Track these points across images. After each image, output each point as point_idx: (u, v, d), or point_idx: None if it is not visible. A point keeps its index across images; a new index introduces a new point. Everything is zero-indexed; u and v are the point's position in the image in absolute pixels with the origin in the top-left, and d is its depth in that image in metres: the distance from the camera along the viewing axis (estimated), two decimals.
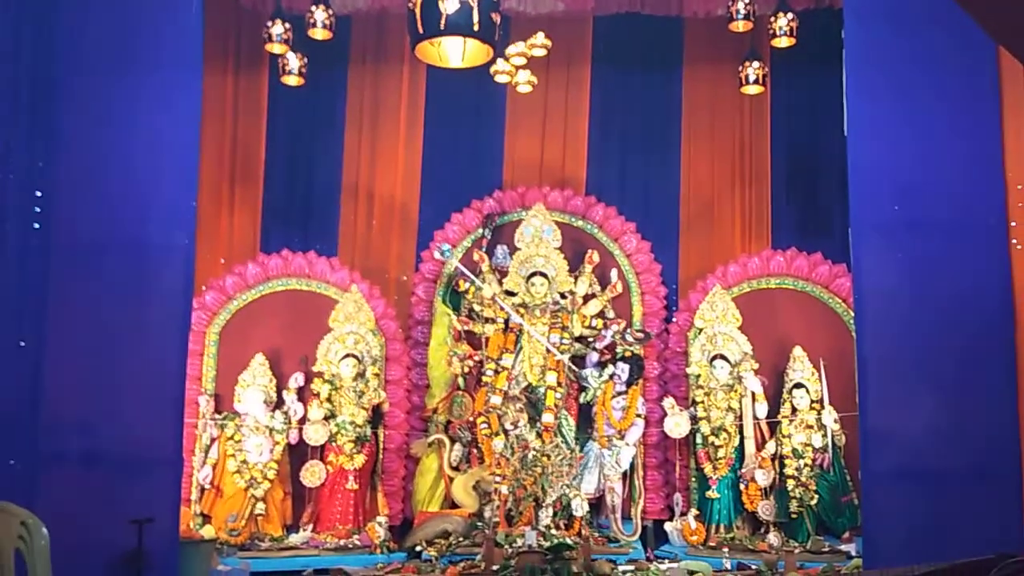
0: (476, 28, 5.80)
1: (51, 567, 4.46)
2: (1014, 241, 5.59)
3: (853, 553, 7.17)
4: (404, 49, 9.10)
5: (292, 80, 8.50)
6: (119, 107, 5.80)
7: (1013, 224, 5.57)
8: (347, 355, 8.01)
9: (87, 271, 5.64)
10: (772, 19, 8.05)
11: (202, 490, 7.72)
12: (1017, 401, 5.45)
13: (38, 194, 5.53)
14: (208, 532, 7.25)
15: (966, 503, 5.49)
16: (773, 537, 7.55)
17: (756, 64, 8.53)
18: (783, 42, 8.04)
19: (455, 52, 6.19)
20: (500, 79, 7.92)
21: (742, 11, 7.89)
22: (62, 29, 5.71)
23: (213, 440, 7.83)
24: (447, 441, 8.14)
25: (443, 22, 5.78)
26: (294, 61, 8.41)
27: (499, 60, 7.71)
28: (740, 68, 8.62)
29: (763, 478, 7.76)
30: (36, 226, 5.52)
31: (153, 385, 5.71)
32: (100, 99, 5.77)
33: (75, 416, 5.52)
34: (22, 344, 5.38)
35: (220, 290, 8.26)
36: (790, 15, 7.99)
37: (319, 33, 8.05)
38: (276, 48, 8.17)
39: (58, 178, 5.61)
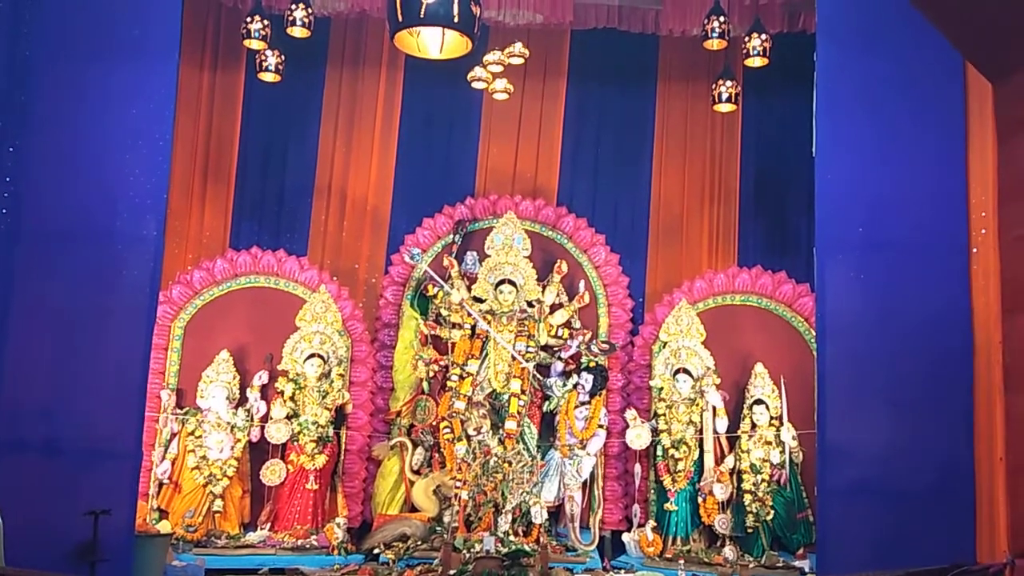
0: (456, 19, 5.82)
1: (4, 554, 4.42)
2: (974, 267, 5.69)
3: (807, 569, 7.27)
4: (382, 52, 9.14)
5: (269, 76, 8.49)
6: (93, 95, 5.77)
7: (974, 250, 5.67)
8: (312, 355, 7.99)
9: (54, 258, 5.60)
10: (746, 39, 8.18)
11: (160, 485, 7.67)
12: (973, 421, 5.55)
13: (7, 179, 5.48)
14: (164, 527, 7.20)
15: (920, 521, 5.58)
16: (729, 551, 7.63)
17: (729, 83, 8.65)
18: (756, 62, 8.16)
19: (434, 43, 6.21)
20: (477, 85, 7.97)
21: (717, 30, 7.99)
22: (38, 16, 5.67)
23: (174, 435, 7.77)
24: (409, 444, 8.15)
25: (423, 11, 5.78)
26: (272, 58, 8.41)
27: (476, 67, 7.76)
28: (713, 86, 8.74)
29: (721, 492, 7.84)
30: (3, 211, 5.46)
31: (115, 377, 5.67)
32: (74, 86, 5.74)
33: (34, 404, 5.47)
34: None
35: (187, 284, 8.21)
36: (764, 36, 8.12)
37: (298, 31, 8.04)
38: (254, 44, 8.15)
39: (28, 164, 5.56)
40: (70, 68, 5.73)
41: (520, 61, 7.75)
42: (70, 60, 5.74)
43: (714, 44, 8.09)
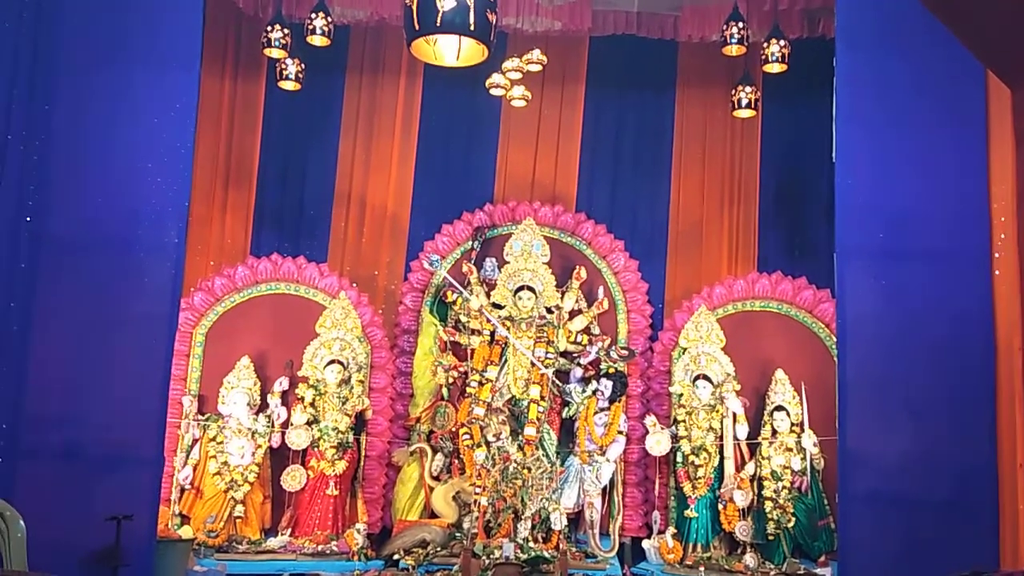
0: (472, 27, 5.84)
1: (27, 560, 4.47)
2: (997, 272, 5.65)
3: None
4: (401, 60, 9.17)
5: (289, 85, 8.54)
6: (116, 104, 5.83)
7: (996, 255, 5.63)
8: (332, 361, 8.02)
9: (77, 266, 5.66)
10: (765, 45, 8.13)
11: (182, 490, 7.71)
12: (996, 429, 5.50)
13: (31, 188, 5.55)
14: (186, 532, 7.24)
15: (942, 529, 5.53)
16: (749, 558, 7.59)
17: (749, 88, 8.62)
18: (775, 68, 8.12)
19: (450, 51, 6.23)
20: (495, 92, 7.97)
21: (736, 36, 7.98)
22: (60, 25, 5.75)
23: (195, 441, 7.82)
24: (429, 451, 8.16)
25: (439, 19, 5.80)
26: (292, 67, 8.46)
27: (495, 74, 7.78)
28: (732, 92, 8.71)
29: (741, 499, 7.80)
30: (28, 219, 5.53)
31: (137, 383, 5.72)
32: (97, 96, 5.81)
33: (57, 411, 5.53)
34: (15, 329, 5.37)
35: (208, 291, 8.27)
36: (783, 42, 8.08)
37: (318, 40, 8.10)
38: (275, 53, 8.21)
39: (51, 173, 5.63)
40: (93, 79, 5.80)
41: (538, 68, 7.75)
42: (93, 71, 5.81)
43: (733, 50, 8.06)
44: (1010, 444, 5.38)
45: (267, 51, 8.23)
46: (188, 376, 8.07)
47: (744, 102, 8.65)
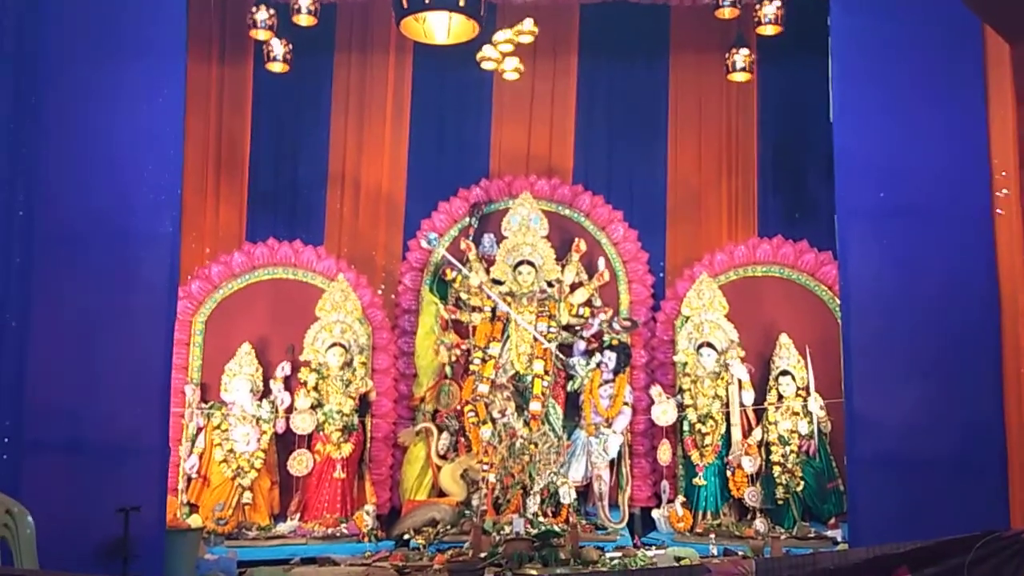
0: (461, 3, 5.76)
1: (37, 555, 4.45)
2: (998, 228, 5.60)
3: (839, 539, 7.22)
4: (390, 36, 9.07)
5: (277, 67, 8.44)
6: (103, 95, 5.76)
7: (998, 211, 5.58)
8: (334, 344, 8.00)
9: (72, 259, 5.61)
10: (758, 7, 8.03)
11: (189, 479, 7.71)
12: (1002, 387, 5.48)
13: (22, 181, 5.49)
14: (195, 521, 7.23)
15: (951, 489, 5.52)
16: (759, 523, 7.61)
17: (743, 52, 8.52)
18: (769, 30, 8.03)
19: (440, 28, 6.16)
20: (487, 66, 7.89)
21: None
22: (46, 17, 5.67)
23: (199, 429, 7.81)
24: (434, 430, 8.15)
25: None
26: (279, 48, 8.35)
27: (485, 47, 7.69)
28: (727, 55, 8.61)
29: (749, 465, 7.80)
30: (20, 213, 5.48)
31: (139, 374, 5.69)
32: (84, 86, 5.74)
33: (60, 405, 5.49)
34: (13, 324, 5.34)
35: (206, 279, 8.23)
36: (776, 3, 7.97)
37: (304, 19, 8.00)
38: (261, 34, 8.12)
39: (42, 165, 5.57)
40: (79, 69, 5.73)
41: (530, 39, 7.65)
42: (79, 61, 5.74)
43: (726, 13, 7.94)
44: (1016, 401, 5.37)
45: (253, 33, 8.15)
46: (189, 365, 8.05)
47: (739, 65, 8.55)
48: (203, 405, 7.89)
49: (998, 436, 5.47)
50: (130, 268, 5.74)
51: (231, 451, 7.70)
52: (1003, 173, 5.51)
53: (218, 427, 7.77)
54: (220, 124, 9.07)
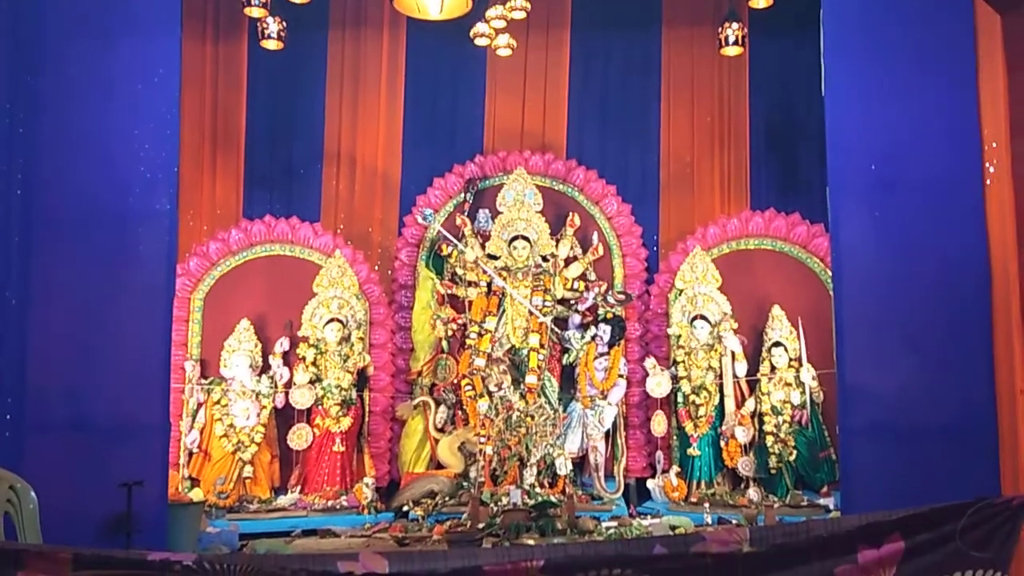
0: None
1: (40, 530, 4.52)
2: (989, 199, 5.64)
3: (831, 507, 7.33)
4: (383, 13, 9.07)
5: (271, 44, 8.45)
6: (99, 73, 5.74)
7: (988, 183, 5.62)
8: (332, 319, 8.06)
9: (70, 238, 5.62)
10: None
11: (190, 454, 7.79)
12: (992, 356, 5.54)
13: (20, 161, 5.51)
14: (197, 495, 7.32)
15: (943, 457, 5.58)
16: (753, 492, 7.72)
17: (735, 25, 8.54)
18: (760, 3, 8.02)
19: (433, 3, 6.17)
20: (480, 42, 7.90)
21: None
22: None
23: (200, 405, 7.89)
24: (432, 403, 8.23)
25: None
26: (273, 25, 8.35)
27: (479, 24, 7.70)
28: (719, 29, 8.63)
29: (743, 435, 7.90)
30: (18, 192, 5.50)
31: (138, 351, 5.71)
32: (79, 65, 5.72)
33: (62, 382, 5.53)
34: (14, 303, 5.37)
35: (204, 256, 8.28)
36: None
37: None
38: (255, 12, 8.10)
39: (39, 145, 5.57)
40: (74, 48, 5.71)
41: (522, 15, 7.66)
42: (74, 40, 5.71)
43: None
44: (1007, 370, 5.42)
45: (247, 10, 8.12)
46: (188, 341, 8.12)
47: (731, 39, 8.57)
48: (203, 381, 7.96)
49: (988, 405, 5.52)
50: (128, 246, 5.75)
51: (231, 426, 7.78)
52: (993, 144, 5.54)
53: (218, 402, 7.85)
54: (216, 102, 9.09)
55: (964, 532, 3.05)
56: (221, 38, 9.10)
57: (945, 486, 5.33)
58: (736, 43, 8.60)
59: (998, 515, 3.10)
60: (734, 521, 7.18)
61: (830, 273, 7.38)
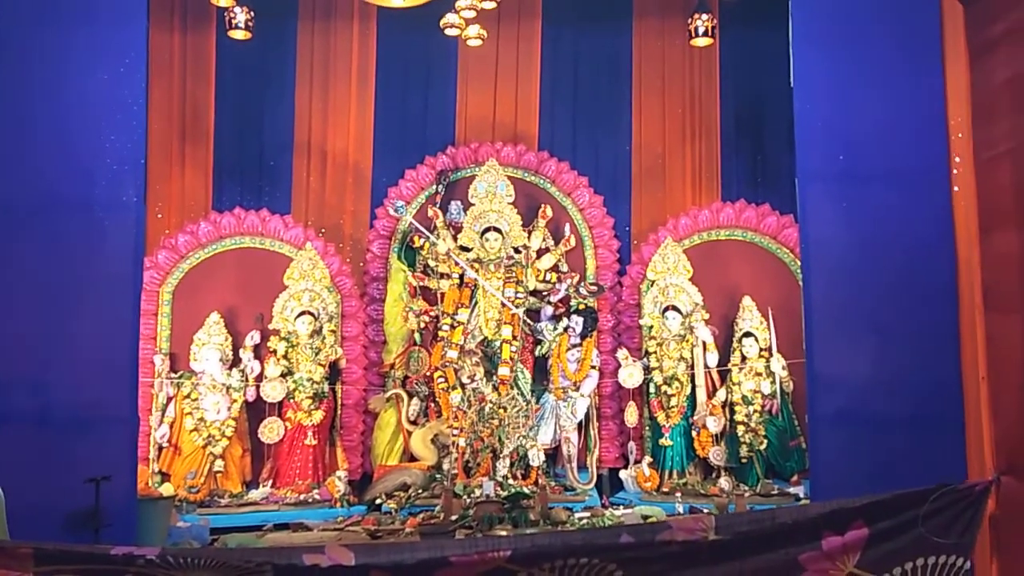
0: None
1: (7, 526, 4.47)
2: (956, 189, 5.69)
3: (801, 495, 7.39)
4: (353, 3, 9.01)
5: (239, 34, 8.37)
6: (63, 63, 5.66)
7: (955, 172, 5.67)
8: (303, 312, 8.02)
9: (36, 230, 5.55)
10: None
11: (160, 448, 7.73)
12: (959, 344, 5.60)
13: None
14: (167, 490, 7.27)
15: (911, 445, 5.62)
16: (724, 482, 7.77)
17: (705, 16, 8.56)
18: None
19: None
20: (450, 32, 7.87)
21: None
22: None
23: (170, 399, 7.83)
24: (405, 396, 8.22)
25: None
26: (241, 15, 8.27)
27: (449, 14, 7.66)
28: (689, 20, 8.64)
29: (714, 425, 7.95)
30: None
31: (105, 345, 5.65)
32: (43, 55, 5.64)
33: (26, 378, 5.45)
34: None
35: (172, 249, 8.20)
36: None
37: None
38: (222, 1, 8.02)
39: (2, 136, 5.50)
40: (38, 37, 5.62)
41: (493, 5, 7.63)
42: (37, 29, 5.63)
43: None
44: (972, 357, 5.47)
45: (214, 0, 8.05)
46: (158, 335, 8.05)
47: (701, 30, 8.60)
48: (172, 375, 7.90)
49: (955, 392, 5.58)
50: (95, 238, 5.68)
51: (202, 420, 7.73)
52: (959, 135, 5.59)
53: (188, 396, 7.79)
54: (184, 93, 8.99)
55: (927, 518, 3.09)
56: (189, 28, 8.99)
57: (914, 472, 5.36)
58: (706, 34, 8.62)
59: (960, 501, 3.14)
60: (706, 510, 7.21)
61: (799, 264, 7.42)
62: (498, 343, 8.19)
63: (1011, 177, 4.21)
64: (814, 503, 4.99)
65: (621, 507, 7.53)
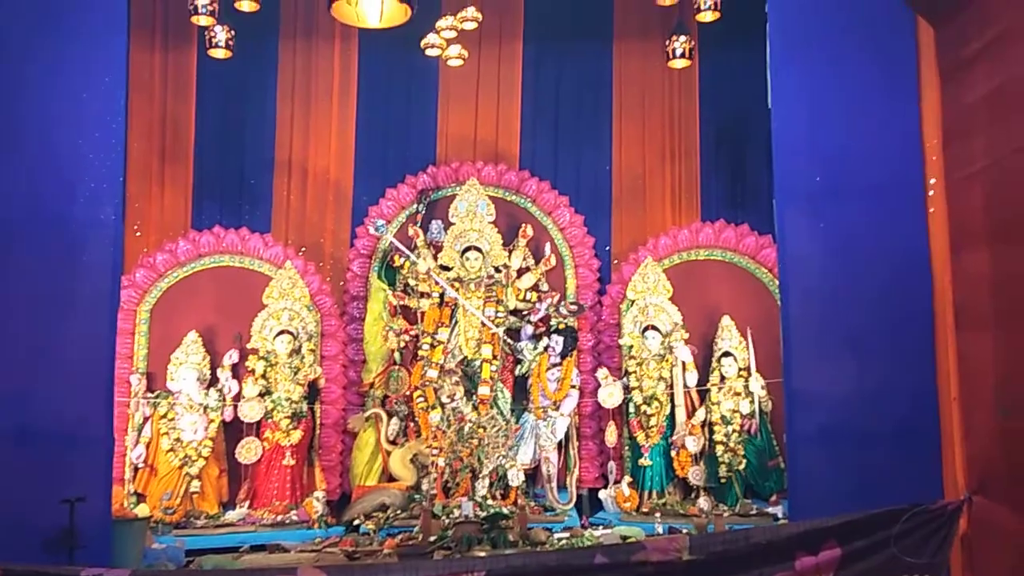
0: None
1: None
2: (931, 209, 5.75)
3: (780, 515, 7.40)
4: (335, 22, 8.99)
5: (220, 53, 8.35)
6: (43, 81, 5.64)
7: (930, 193, 5.73)
8: (282, 331, 7.99)
9: (11, 247, 5.50)
10: None
11: (136, 469, 7.66)
12: (935, 363, 5.63)
13: None
14: (142, 511, 7.17)
15: (888, 463, 5.64)
16: (703, 501, 7.77)
17: (683, 38, 8.61)
18: (708, 16, 8.10)
19: (372, 11, 6.12)
20: (431, 53, 7.90)
21: None
22: None
23: (146, 419, 7.76)
24: (384, 415, 8.19)
25: None
26: (221, 34, 8.26)
27: (430, 34, 7.70)
28: (667, 42, 8.70)
29: (693, 445, 7.96)
30: None
31: (81, 364, 5.60)
32: (22, 72, 5.61)
33: (1, 395, 5.42)
34: None
35: (151, 267, 8.16)
36: None
37: (246, 4, 7.88)
38: (202, 20, 8.01)
39: None
40: (17, 54, 5.62)
41: (473, 26, 7.67)
42: (16, 46, 5.62)
43: (666, 0, 8.05)
44: (946, 376, 5.51)
45: (194, 19, 8.05)
46: (135, 354, 8.00)
47: (679, 52, 8.62)
48: (149, 395, 7.84)
49: (932, 410, 5.61)
50: (72, 257, 5.65)
51: (178, 440, 7.67)
52: (934, 158, 5.64)
53: (164, 416, 7.73)
54: (164, 111, 8.97)
55: (899, 538, 3.11)
56: (170, 46, 8.99)
57: (892, 491, 5.38)
58: (684, 56, 8.65)
59: (933, 521, 3.16)
60: (684, 531, 7.20)
61: (778, 283, 7.46)
62: (478, 362, 8.18)
63: (982, 197, 4.27)
64: (788, 523, 5.01)
65: (600, 527, 7.50)
